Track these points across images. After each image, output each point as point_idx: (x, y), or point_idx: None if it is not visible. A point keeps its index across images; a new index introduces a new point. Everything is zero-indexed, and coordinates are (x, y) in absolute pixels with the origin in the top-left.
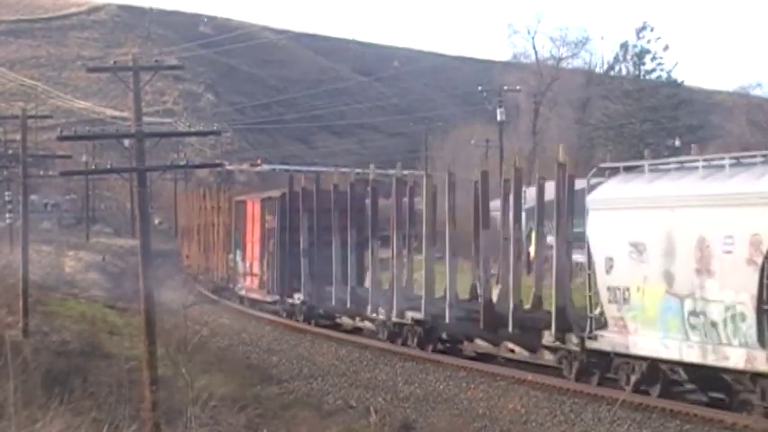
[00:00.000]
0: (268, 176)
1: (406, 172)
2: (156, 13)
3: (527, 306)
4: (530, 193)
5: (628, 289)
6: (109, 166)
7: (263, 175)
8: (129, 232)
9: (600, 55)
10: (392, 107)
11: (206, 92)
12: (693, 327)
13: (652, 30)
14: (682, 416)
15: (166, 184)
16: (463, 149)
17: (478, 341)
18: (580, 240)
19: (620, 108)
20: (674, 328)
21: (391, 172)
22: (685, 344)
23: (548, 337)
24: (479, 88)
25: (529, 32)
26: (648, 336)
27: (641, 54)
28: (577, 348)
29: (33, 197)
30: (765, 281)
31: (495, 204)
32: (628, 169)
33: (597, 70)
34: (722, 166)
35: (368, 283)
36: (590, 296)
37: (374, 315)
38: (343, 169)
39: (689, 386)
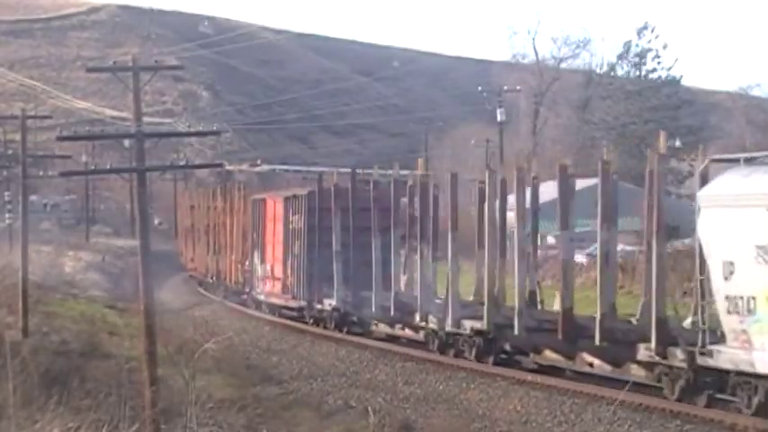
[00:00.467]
0: (267, 177)
1: (404, 172)
2: (155, 14)
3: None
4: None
5: (753, 298)
6: (109, 167)
7: (262, 176)
8: (129, 233)
9: (600, 55)
10: (392, 107)
11: (206, 92)
12: None
13: (653, 30)
14: (682, 416)
15: (166, 184)
16: (463, 149)
17: (548, 353)
18: (580, 241)
19: (622, 108)
20: None
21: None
22: None
23: (645, 352)
24: (479, 88)
25: (529, 33)
26: None
27: (643, 53)
28: (683, 365)
29: (33, 197)
30: None
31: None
32: (749, 161)
33: (598, 71)
34: None
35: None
36: (703, 305)
37: (423, 323)
38: (343, 169)
39: None
